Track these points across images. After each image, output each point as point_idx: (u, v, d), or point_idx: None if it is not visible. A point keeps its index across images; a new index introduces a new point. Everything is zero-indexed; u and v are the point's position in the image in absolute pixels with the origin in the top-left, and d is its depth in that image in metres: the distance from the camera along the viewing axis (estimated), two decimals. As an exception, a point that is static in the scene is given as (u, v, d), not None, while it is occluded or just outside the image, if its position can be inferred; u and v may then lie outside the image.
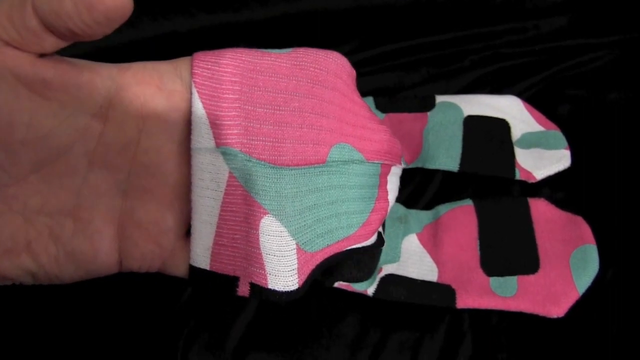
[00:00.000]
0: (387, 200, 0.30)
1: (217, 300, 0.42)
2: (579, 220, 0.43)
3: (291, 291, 0.26)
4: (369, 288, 0.40)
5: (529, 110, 0.51)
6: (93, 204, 0.26)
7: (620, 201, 0.45)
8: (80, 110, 0.25)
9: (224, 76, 0.25)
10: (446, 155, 0.47)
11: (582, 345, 0.39)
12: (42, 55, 0.23)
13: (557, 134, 0.48)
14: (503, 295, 0.39)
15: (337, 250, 0.28)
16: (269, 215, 0.25)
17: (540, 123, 0.50)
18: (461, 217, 0.44)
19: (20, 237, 0.25)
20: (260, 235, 0.25)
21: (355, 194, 0.28)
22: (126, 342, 0.41)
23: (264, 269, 0.25)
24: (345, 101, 0.28)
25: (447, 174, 0.48)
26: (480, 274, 0.41)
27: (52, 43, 0.23)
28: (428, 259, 0.42)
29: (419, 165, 0.48)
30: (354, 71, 0.30)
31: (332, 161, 0.27)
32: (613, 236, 0.43)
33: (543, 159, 0.47)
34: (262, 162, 0.25)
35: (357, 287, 0.40)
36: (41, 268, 0.25)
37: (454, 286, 0.40)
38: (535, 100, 0.52)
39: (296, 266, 0.26)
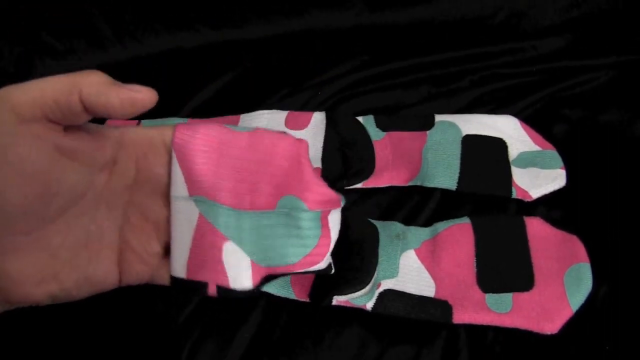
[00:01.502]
0: (329, 237, 0.35)
1: (220, 312, 0.43)
2: (574, 239, 0.44)
3: (247, 290, 0.33)
4: (368, 303, 0.41)
5: (525, 130, 0.52)
6: (99, 237, 0.33)
7: (614, 219, 0.46)
8: (95, 166, 0.31)
9: (196, 146, 0.32)
10: (444, 174, 0.48)
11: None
12: (68, 126, 0.29)
13: (553, 154, 0.49)
14: (498, 312, 0.40)
15: (285, 271, 0.34)
16: (230, 241, 0.33)
17: (536, 143, 0.51)
18: (458, 235, 0.45)
19: (48, 270, 0.30)
20: (224, 255, 0.33)
21: (299, 233, 0.34)
22: (131, 354, 0.42)
23: (227, 276, 0.33)
24: (293, 163, 0.34)
25: (445, 192, 0.49)
26: (476, 290, 0.42)
27: (85, 119, 0.28)
28: (426, 275, 0.43)
29: (418, 183, 0.49)
30: (306, 144, 0.35)
31: (280, 208, 0.34)
32: (607, 254, 0.43)
33: (539, 178, 0.48)
34: (226, 206, 0.33)
35: (356, 302, 0.41)
36: (64, 291, 0.31)
37: (450, 302, 0.41)
38: (532, 120, 0.53)
39: (250, 272, 0.33)
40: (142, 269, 0.34)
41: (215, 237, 0.33)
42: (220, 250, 0.33)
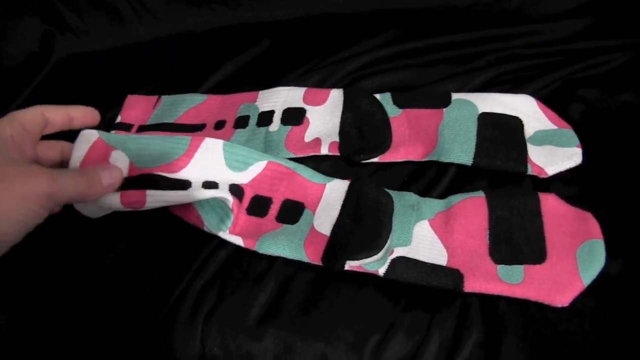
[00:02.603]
0: (192, 154, 0.46)
1: (237, 281, 0.44)
2: (588, 215, 0.44)
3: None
4: (380, 268, 0.42)
5: (542, 109, 0.52)
6: None
7: (629, 197, 0.46)
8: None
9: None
10: (460, 150, 0.49)
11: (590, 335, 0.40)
12: None
13: (569, 132, 0.50)
14: (509, 282, 0.41)
15: (158, 172, 0.45)
16: (117, 150, 0.46)
17: (553, 121, 0.51)
18: (472, 207, 0.45)
19: None
20: (111, 154, 0.46)
21: (170, 148, 0.46)
22: (148, 320, 0.43)
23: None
24: None
25: (461, 167, 0.49)
26: (488, 261, 0.42)
27: None
28: (439, 244, 0.44)
29: (434, 158, 0.49)
30: None
31: None
32: (622, 231, 0.44)
33: (555, 155, 0.48)
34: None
35: (369, 267, 0.42)
36: None
37: (462, 270, 0.42)
38: (548, 100, 0.53)
39: (127, 166, 0.46)
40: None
41: (108, 148, 0.46)
42: (109, 155, 0.46)
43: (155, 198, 0.45)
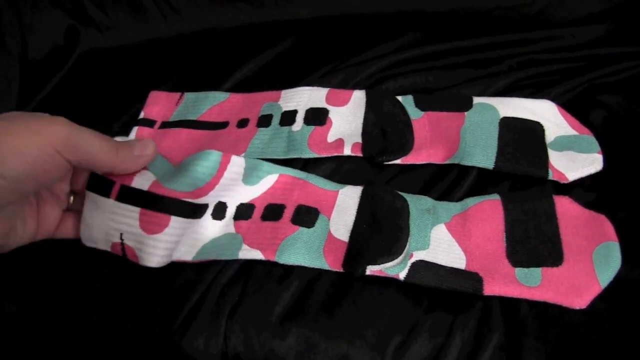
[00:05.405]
0: (219, 179, 0.47)
1: (261, 279, 0.45)
2: (602, 218, 0.45)
3: (143, 190, 0.45)
4: (401, 273, 0.42)
5: (563, 115, 0.52)
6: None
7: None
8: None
9: None
10: (482, 154, 0.49)
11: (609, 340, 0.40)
12: None
13: (590, 139, 0.50)
14: (528, 285, 0.41)
15: (183, 198, 0.45)
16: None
17: (573, 127, 0.51)
18: (488, 210, 0.46)
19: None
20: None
21: (196, 173, 0.46)
22: (172, 314, 0.44)
23: (132, 180, 0.45)
24: None
25: (482, 171, 0.50)
26: (506, 264, 0.43)
27: None
28: (456, 247, 0.44)
29: (456, 161, 0.50)
30: None
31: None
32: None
33: (575, 161, 0.48)
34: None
35: (389, 272, 0.42)
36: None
37: (481, 274, 0.42)
38: (569, 106, 0.53)
39: (151, 183, 0.45)
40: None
41: None
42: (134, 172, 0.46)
43: (177, 225, 0.45)
